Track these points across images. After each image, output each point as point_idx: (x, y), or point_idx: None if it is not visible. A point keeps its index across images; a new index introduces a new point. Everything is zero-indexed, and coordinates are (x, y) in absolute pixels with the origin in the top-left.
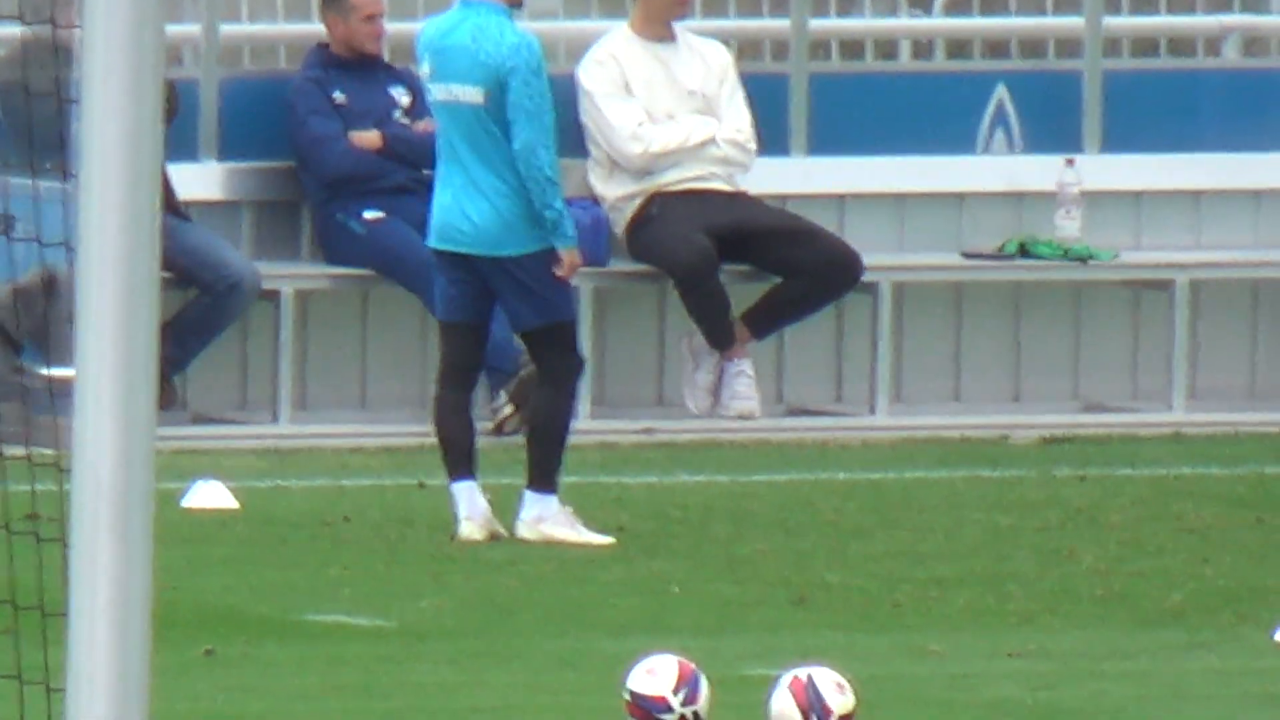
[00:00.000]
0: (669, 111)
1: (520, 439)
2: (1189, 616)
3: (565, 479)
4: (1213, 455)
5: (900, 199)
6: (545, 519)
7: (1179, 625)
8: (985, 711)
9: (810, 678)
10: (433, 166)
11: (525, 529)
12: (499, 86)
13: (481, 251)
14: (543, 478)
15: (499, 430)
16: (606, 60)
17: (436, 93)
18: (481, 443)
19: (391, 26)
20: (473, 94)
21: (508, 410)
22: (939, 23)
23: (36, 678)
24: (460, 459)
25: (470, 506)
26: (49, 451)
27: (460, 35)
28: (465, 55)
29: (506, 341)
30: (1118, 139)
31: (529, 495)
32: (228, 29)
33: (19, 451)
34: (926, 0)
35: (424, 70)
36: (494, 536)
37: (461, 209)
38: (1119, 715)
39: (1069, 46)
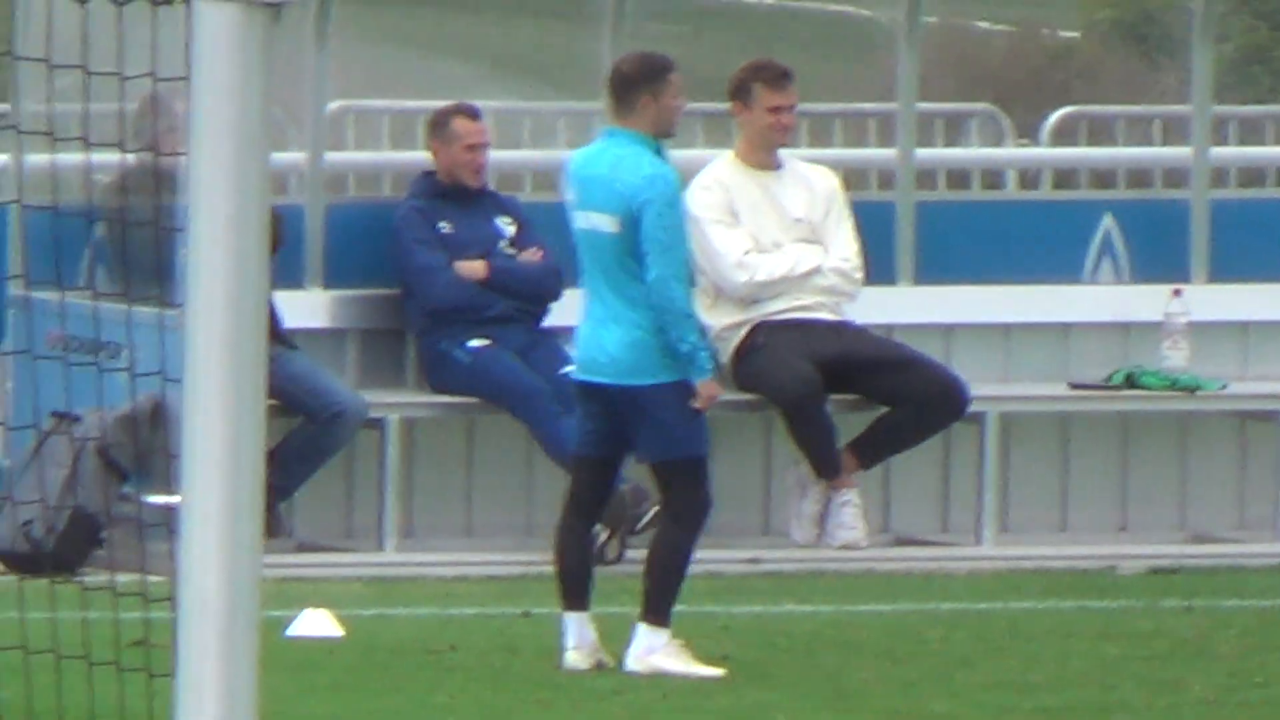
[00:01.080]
0: (775, 240)
1: (626, 567)
2: None
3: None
4: None
5: (1006, 329)
6: (655, 651)
7: None
8: None
9: None
10: (536, 297)
11: (635, 662)
12: (633, 217)
13: (616, 381)
14: (657, 612)
15: (600, 558)
16: (713, 186)
17: (578, 221)
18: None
19: (498, 156)
20: (608, 223)
21: (604, 536)
22: (1046, 153)
23: None
24: (576, 590)
25: (579, 637)
26: (154, 578)
27: (600, 164)
28: (603, 185)
29: None
30: (1224, 268)
31: (642, 629)
32: (333, 156)
33: (106, 579)
34: (1033, 131)
35: (569, 198)
36: (599, 666)
37: (598, 339)
38: None
39: (1176, 176)
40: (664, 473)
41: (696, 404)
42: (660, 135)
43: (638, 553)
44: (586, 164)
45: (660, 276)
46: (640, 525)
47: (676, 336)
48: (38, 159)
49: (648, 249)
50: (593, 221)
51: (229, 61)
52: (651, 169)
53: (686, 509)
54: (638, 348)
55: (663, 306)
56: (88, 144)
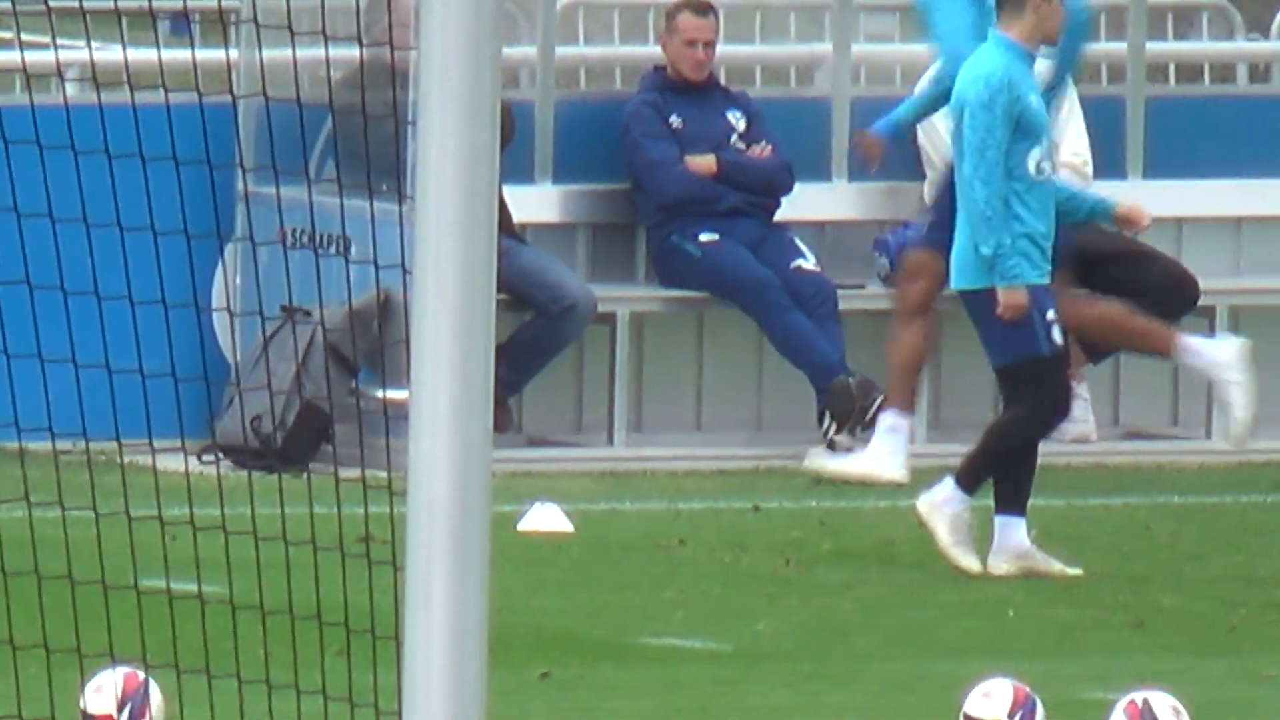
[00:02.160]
0: None
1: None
2: None
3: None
4: None
5: (1237, 222)
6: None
7: None
8: None
9: (1146, 702)
10: (766, 191)
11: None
12: (961, 118)
13: (954, 286)
14: (967, 477)
15: (831, 448)
16: None
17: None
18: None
19: (729, 50)
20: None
21: (834, 429)
22: (1276, 46)
23: (368, 700)
24: (1012, 492)
25: (1002, 540)
26: (382, 474)
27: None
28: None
29: (840, 364)
30: None
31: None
32: (564, 51)
33: (353, 474)
34: (1264, 24)
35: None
36: (1028, 573)
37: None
38: None
39: None
40: (1004, 378)
41: (1000, 312)
42: (1045, 42)
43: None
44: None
45: (965, 177)
46: (869, 417)
47: (979, 239)
48: (269, 54)
49: (963, 150)
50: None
51: None
52: (981, 69)
53: (1034, 412)
54: (962, 251)
55: (965, 207)
56: (324, 38)
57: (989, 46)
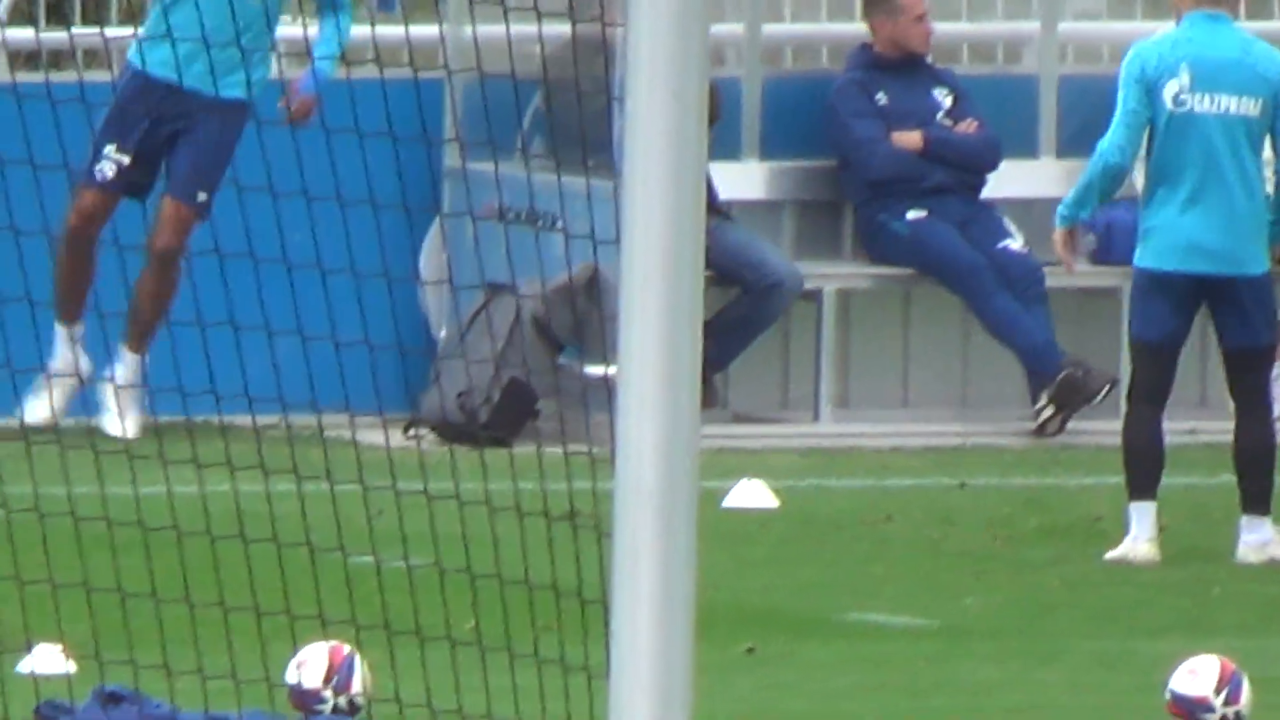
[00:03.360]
0: None
1: (1047, 440)
2: None
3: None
4: None
5: None
6: (1270, 543)
7: None
8: None
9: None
10: (973, 168)
11: (1251, 553)
12: (1275, 101)
13: (1226, 271)
14: (1259, 503)
15: (1041, 431)
16: None
17: (1195, 103)
18: (1022, 444)
19: (936, 28)
20: (1247, 106)
21: (1049, 413)
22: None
23: (579, 667)
24: (1147, 477)
25: (1141, 526)
26: (586, 449)
27: (1228, 48)
28: (1240, 69)
29: (1048, 343)
30: None
31: (1249, 521)
32: (770, 29)
33: (558, 449)
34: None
35: (1177, 81)
36: (1151, 561)
37: (1211, 226)
38: None
39: None
40: (1257, 358)
41: None
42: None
43: (1079, 424)
44: (1209, 47)
45: None
46: (1095, 402)
47: None
48: (482, 29)
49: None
50: (1223, 105)
51: None
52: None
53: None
54: (1249, 237)
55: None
56: (538, 13)
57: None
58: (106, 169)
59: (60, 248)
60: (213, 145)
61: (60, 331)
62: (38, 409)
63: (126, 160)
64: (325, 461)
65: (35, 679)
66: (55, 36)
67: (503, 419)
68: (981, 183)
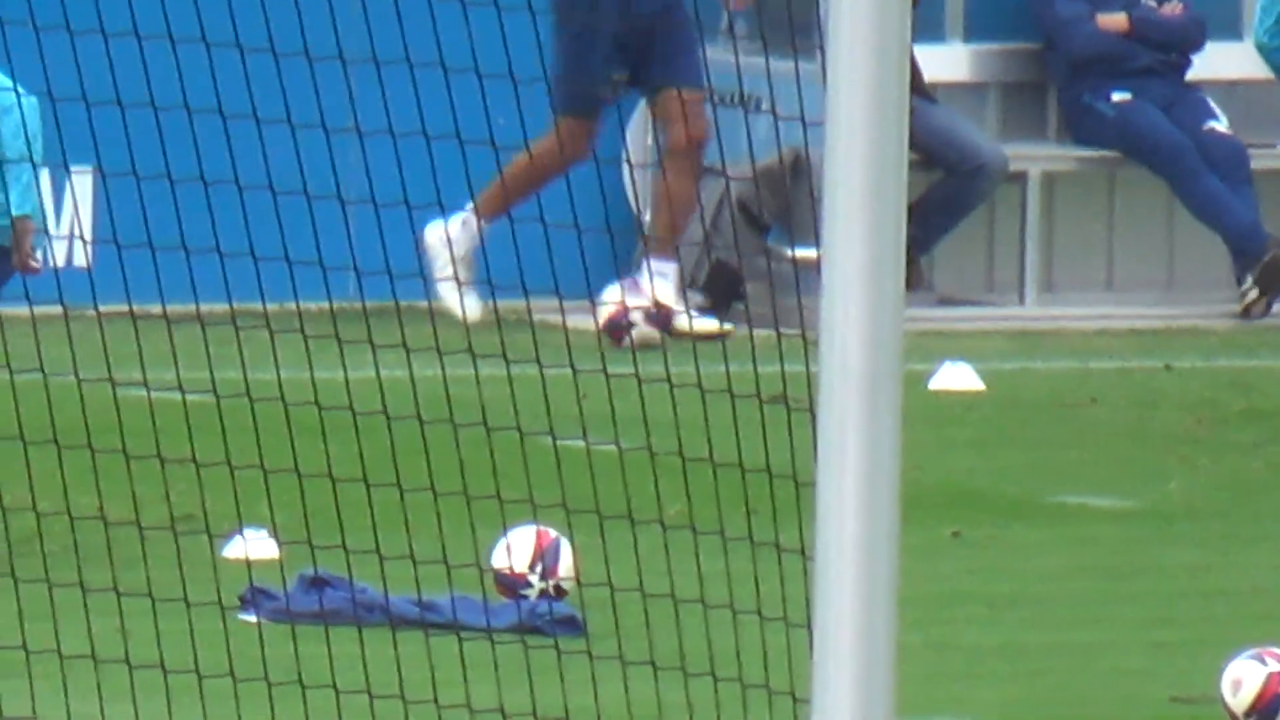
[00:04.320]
0: None
1: (1252, 322)
2: None
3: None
4: None
5: None
6: None
7: None
8: None
9: None
10: (1179, 49)
11: None
12: None
13: None
14: None
15: (1246, 314)
16: None
17: None
18: (1228, 326)
19: None
20: None
21: (1254, 295)
22: None
23: (794, 556)
24: None
25: None
26: (794, 333)
27: None
28: None
29: (1254, 225)
30: None
31: None
32: None
33: (767, 333)
34: None
35: None
36: None
37: None
38: None
39: None
40: None
41: None
42: None
43: None
44: None
45: None
46: None
47: None
48: None
49: None
50: None
51: None
52: None
53: None
54: None
55: None
56: None
57: None
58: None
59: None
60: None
61: (470, 220)
62: (470, 306)
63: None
64: (534, 345)
65: (246, 562)
66: None
67: (709, 300)
68: (1186, 64)
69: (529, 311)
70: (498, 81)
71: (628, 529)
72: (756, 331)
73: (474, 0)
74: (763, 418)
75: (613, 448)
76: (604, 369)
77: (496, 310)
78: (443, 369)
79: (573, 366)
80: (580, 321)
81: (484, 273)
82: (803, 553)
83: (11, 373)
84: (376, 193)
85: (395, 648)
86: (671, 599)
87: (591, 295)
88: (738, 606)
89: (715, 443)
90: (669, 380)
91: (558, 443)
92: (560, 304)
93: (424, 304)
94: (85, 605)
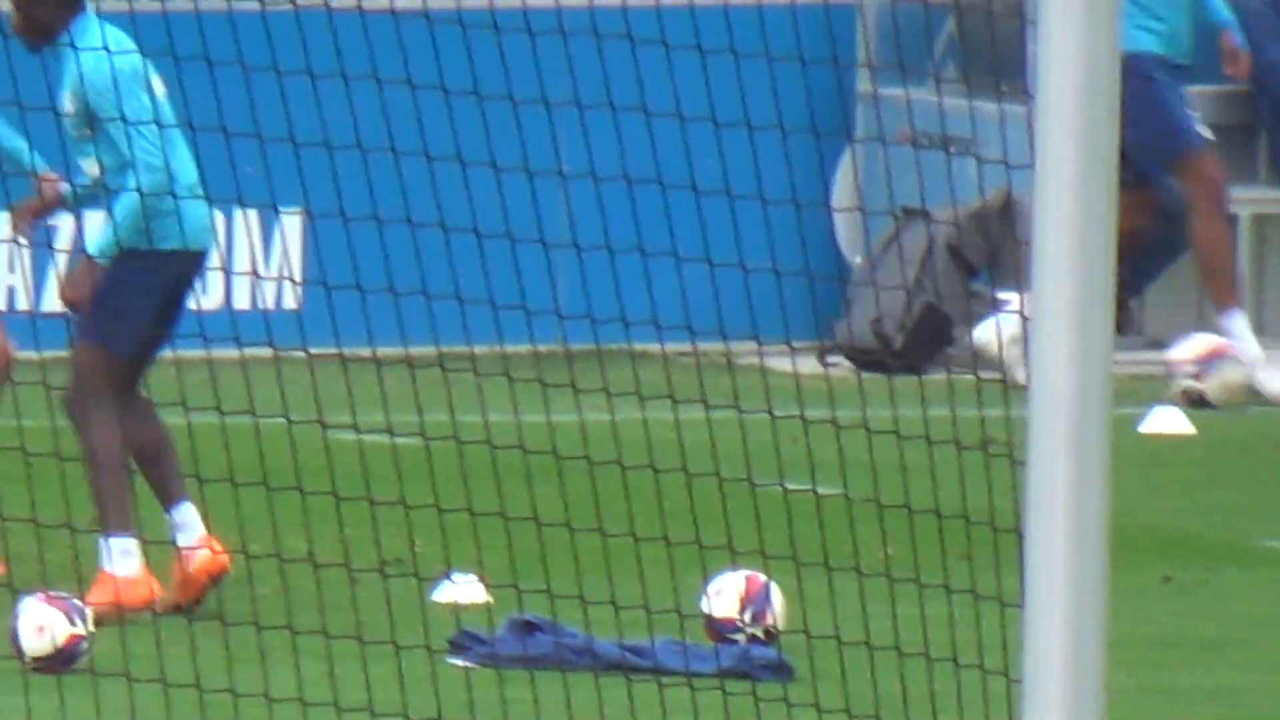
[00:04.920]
0: None
1: None
2: None
3: None
4: None
5: None
6: None
7: None
8: None
9: None
10: None
11: None
12: None
13: None
14: None
15: None
16: None
17: None
18: None
19: None
20: None
21: None
22: None
23: (990, 603)
24: None
25: None
26: (996, 376)
27: None
28: None
29: None
30: None
31: None
32: None
33: (969, 375)
34: None
35: None
36: None
37: None
38: None
39: None
40: None
41: None
42: None
43: None
44: None
45: None
46: None
47: None
48: None
49: None
50: None
51: None
52: None
53: None
54: None
55: None
56: None
57: None
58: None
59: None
60: None
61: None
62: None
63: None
64: (734, 389)
65: (455, 607)
66: None
67: (918, 346)
68: None
69: (728, 355)
70: (699, 125)
71: (824, 575)
72: (959, 375)
73: (680, 45)
74: (960, 463)
75: (811, 492)
76: (801, 414)
77: (697, 353)
78: (644, 412)
79: (771, 412)
80: (780, 364)
81: (684, 317)
82: (1000, 599)
83: (222, 414)
84: (579, 236)
85: (599, 692)
86: (866, 646)
87: (790, 340)
88: (935, 653)
89: (913, 487)
90: (866, 427)
91: (757, 488)
92: (759, 347)
93: (625, 347)
94: (295, 648)
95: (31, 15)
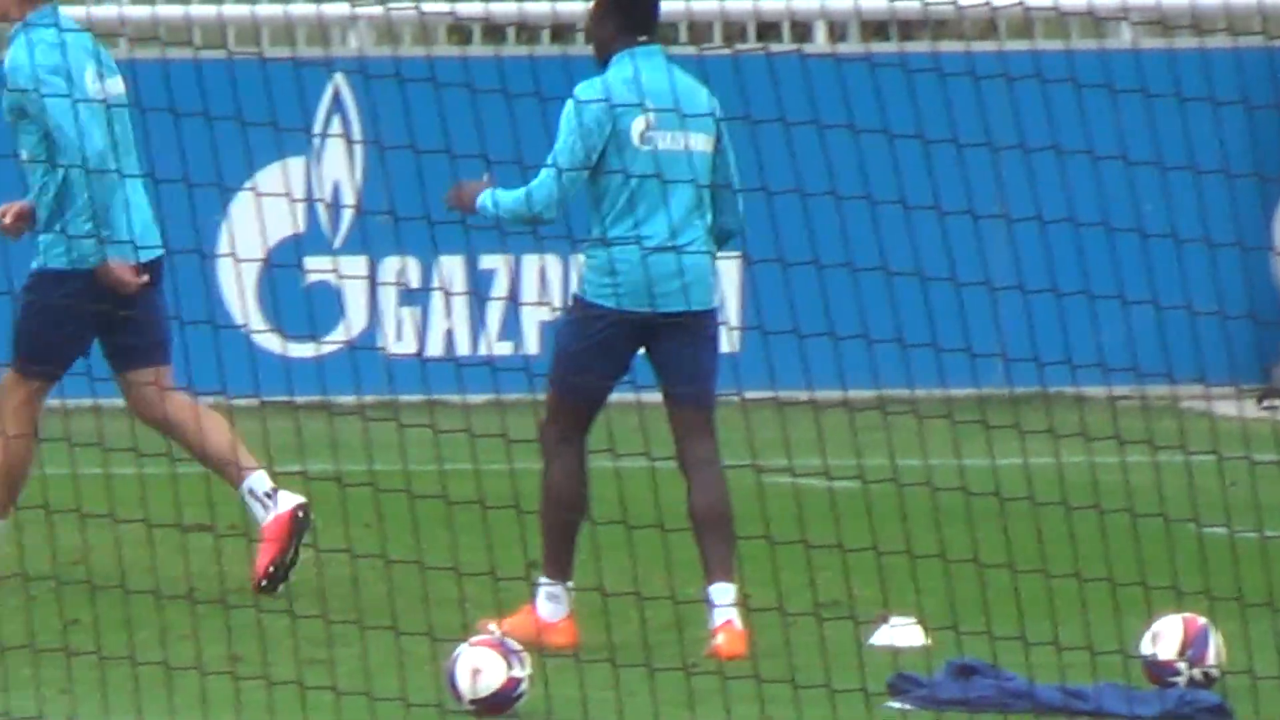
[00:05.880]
0: None
1: None
2: None
3: None
4: None
5: None
6: None
7: None
8: None
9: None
10: None
11: None
12: None
13: None
14: None
15: None
16: None
17: None
18: None
19: None
20: None
21: None
22: None
23: None
24: None
25: None
26: None
27: None
28: None
29: None
30: None
31: None
32: None
33: None
34: None
35: None
36: None
37: None
38: None
39: None
40: None
41: None
42: None
43: None
44: None
45: None
46: None
47: None
48: None
49: None
50: None
51: None
52: None
53: None
54: None
55: None
56: None
57: None
58: None
59: None
60: None
61: None
62: None
63: None
64: (1180, 432)
65: (893, 651)
66: None
67: None
68: None
69: (1174, 398)
70: (1144, 169)
71: (1270, 617)
72: None
73: (1125, 89)
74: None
75: (1257, 535)
76: (1248, 455)
77: (1143, 395)
78: (1090, 454)
79: (1218, 453)
80: (1226, 408)
81: (1130, 359)
82: None
83: (651, 460)
84: (1025, 279)
85: None
86: None
87: (1237, 383)
88: None
89: None
90: None
91: (1202, 530)
92: (1206, 390)
93: (1071, 389)
94: (724, 691)
95: None
